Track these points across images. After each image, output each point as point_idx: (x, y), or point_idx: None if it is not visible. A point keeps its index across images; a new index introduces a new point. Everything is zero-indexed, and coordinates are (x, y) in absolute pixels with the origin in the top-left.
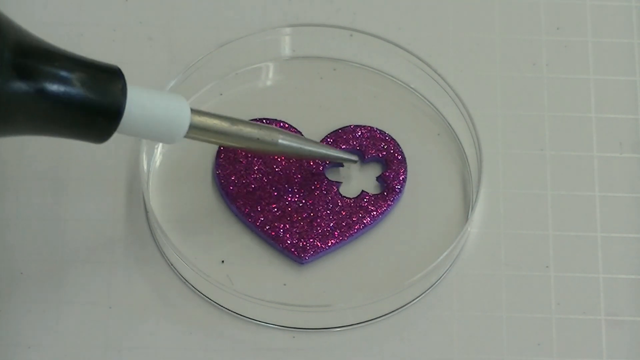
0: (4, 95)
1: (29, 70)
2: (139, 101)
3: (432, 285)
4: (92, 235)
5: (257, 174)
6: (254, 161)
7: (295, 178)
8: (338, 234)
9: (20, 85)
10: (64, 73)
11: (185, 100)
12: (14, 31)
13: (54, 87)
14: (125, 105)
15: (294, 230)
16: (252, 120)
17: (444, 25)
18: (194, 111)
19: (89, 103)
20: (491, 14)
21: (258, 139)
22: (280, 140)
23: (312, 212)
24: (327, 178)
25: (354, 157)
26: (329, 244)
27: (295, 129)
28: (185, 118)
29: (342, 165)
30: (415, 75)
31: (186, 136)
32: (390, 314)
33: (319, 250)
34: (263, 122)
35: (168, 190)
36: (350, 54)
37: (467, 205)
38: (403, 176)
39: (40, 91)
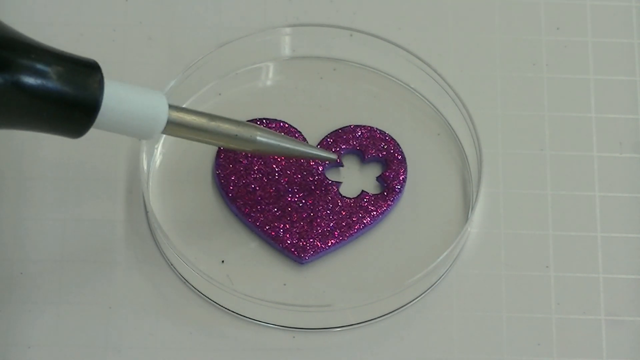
0: None
1: (5, 62)
2: (117, 95)
3: (432, 285)
4: (92, 235)
5: (257, 174)
6: (254, 161)
7: (295, 178)
8: (338, 234)
9: None
10: (40, 66)
11: (164, 96)
12: None
13: (30, 80)
14: (102, 99)
15: (294, 230)
16: (251, 120)
17: (444, 25)
18: (172, 107)
19: (66, 96)
20: (491, 14)
21: (236, 135)
22: (258, 137)
23: (312, 212)
24: (327, 178)
25: (333, 156)
26: (329, 244)
27: (295, 128)
28: (162, 113)
29: (342, 165)
30: (415, 75)
31: (164, 132)
32: (390, 314)
33: (319, 250)
34: (263, 122)
35: (168, 190)
36: (350, 54)
37: (467, 205)
38: (403, 176)
39: (16, 84)
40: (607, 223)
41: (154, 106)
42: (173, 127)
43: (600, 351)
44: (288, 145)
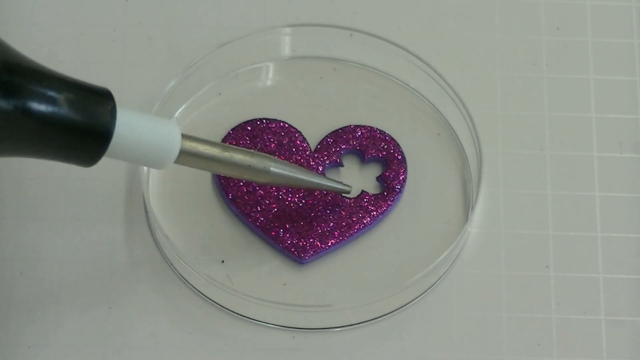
0: None
1: (16, 88)
2: (129, 124)
3: (432, 285)
4: (92, 235)
5: None
6: None
7: None
8: (338, 234)
9: (6, 104)
10: (51, 93)
11: (177, 125)
12: (1, 49)
13: (41, 107)
14: (115, 128)
15: (294, 230)
16: (251, 120)
17: (444, 25)
18: (184, 136)
19: (77, 124)
20: (491, 14)
21: (250, 165)
22: (272, 168)
23: (312, 212)
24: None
25: (348, 188)
26: (329, 244)
27: (295, 128)
28: (175, 142)
29: (342, 165)
30: (415, 75)
31: (176, 162)
32: (390, 314)
33: (319, 250)
34: (263, 122)
35: (168, 190)
36: (350, 54)
37: (467, 205)
38: (403, 176)
39: (26, 111)
40: (607, 223)
41: (167, 135)
42: (186, 157)
43: (600, 351)
44: (302, 177)
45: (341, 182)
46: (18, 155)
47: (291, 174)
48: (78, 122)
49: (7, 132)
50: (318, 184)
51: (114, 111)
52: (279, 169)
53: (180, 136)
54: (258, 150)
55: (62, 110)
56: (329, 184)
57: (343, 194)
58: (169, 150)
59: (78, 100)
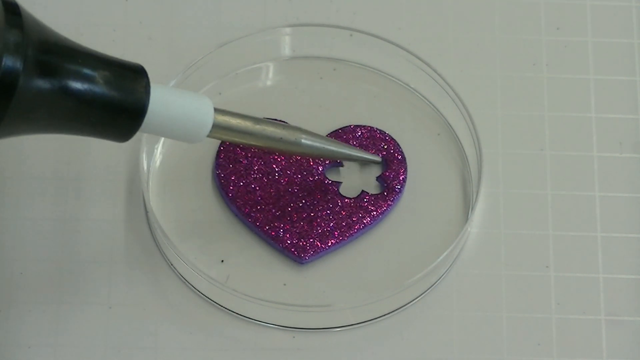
0: (28, 92)
1: (53, 67)
2: (163, 100)
3: (432, 285)
4: (92, 235)
5: (257, 174)
6: (254, 161)
7: (295, 178)
8: (338, 234)
9: (43, 83)
10: (87, 71)
11: (209, 100)
12: (37, 28)
13: (77, 85)
14: (149, 104)
15: (294, 230)
16: None
17: (444, 25)
18: (217, 110)
19: (113, 101)
20: (491, 14)
21: (281, 138)
22: (303, 140)
23: (312, 212)
24: (327, 178)
25: (378, 159)
26: (329, 244)
27: None
28: (208, 117)
29: (342, 165)
30: (415, 75)
31: (209, 135)
32: (390, 314)
33: (319, 250)
34: None
35: (168, 190)
36: (350, 54)
37: (467, 205)
38: (403, 176)
39: (63, 89)
40: (607, 223)
41: (200, 110)
42: (219, 131)
43: (600, 351)
44: (332, 148)
45: (370, 153)
46: (55, 132)
47: (322, 145)
48: (114, 99)
49: (45, 110)
50: (347, 154)
51: (148, 87)
52: (309, 140)
53: (212, 110)
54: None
55: (99, 87)
56: (358, 154)
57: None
58: (202, 125)
59: (114, 77)
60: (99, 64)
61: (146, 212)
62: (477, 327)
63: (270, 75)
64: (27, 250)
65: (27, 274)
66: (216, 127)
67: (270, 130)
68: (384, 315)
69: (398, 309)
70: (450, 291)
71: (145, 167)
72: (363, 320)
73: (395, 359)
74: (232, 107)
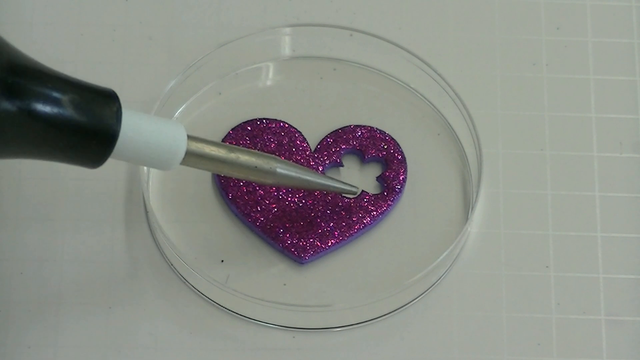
0: None
1: (20, 89)
2: (135, 126)
3: (432, 285)
4: (92, 235)
5: None
6: None
7: None
8: (338, 234)
9: (11, 105)
10: (55, 94)
11: (182, 126)
12: (6, 50)
13: (45, 108)
14: (120, 130)
15: (294, 230)
16: (251, 120)
17: (444, 25)
18: (190, 137)
19: (82, 126)
20: (491, 14)
21: (256, 167)
22: (278, 170)
23: (312, 212)
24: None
25: (354, 189)
26: (329, 244)
27: (295, 128)
28: (181, 143)
29: (342, 165)
30: (415, 75)
31: (182, 163)
32: (390, 314)
33: (319, 250)
34: (263, 122)
35: (168, 190)
36: (350, 54)
37: (467, 205)
38: (403, 176)
39: (31, 111)
40: (607, 223)
41: (173, 137)
42: (192, 158)
43: (600, 351)
44: (308, 178)
45: (347, 183)
46: (23, 157)
47: (297, 175)
48: (83, 123)
49: (12, 133)
50: (324, 184)
51: (120, 113)
52: (285, 170)
53: (186, 137)
54: (262, 151)
55: (67, 111)
56: (335, 185)
57: (347, 195)
58: (174, 152)
59: (83, 101)
60: (68, 87)
61: (146, 212)
62: (477, 327)
63: (270, 75)
64: (27, 250)
65: (27, 274)
66: (189, 154)
67: (244, 158)
68: (384, 315)
69: (398, 309)
70: (450, 291)
71: (145, 167)
72: (363, 320)
73: (395, 359)
74: (232, 107)
